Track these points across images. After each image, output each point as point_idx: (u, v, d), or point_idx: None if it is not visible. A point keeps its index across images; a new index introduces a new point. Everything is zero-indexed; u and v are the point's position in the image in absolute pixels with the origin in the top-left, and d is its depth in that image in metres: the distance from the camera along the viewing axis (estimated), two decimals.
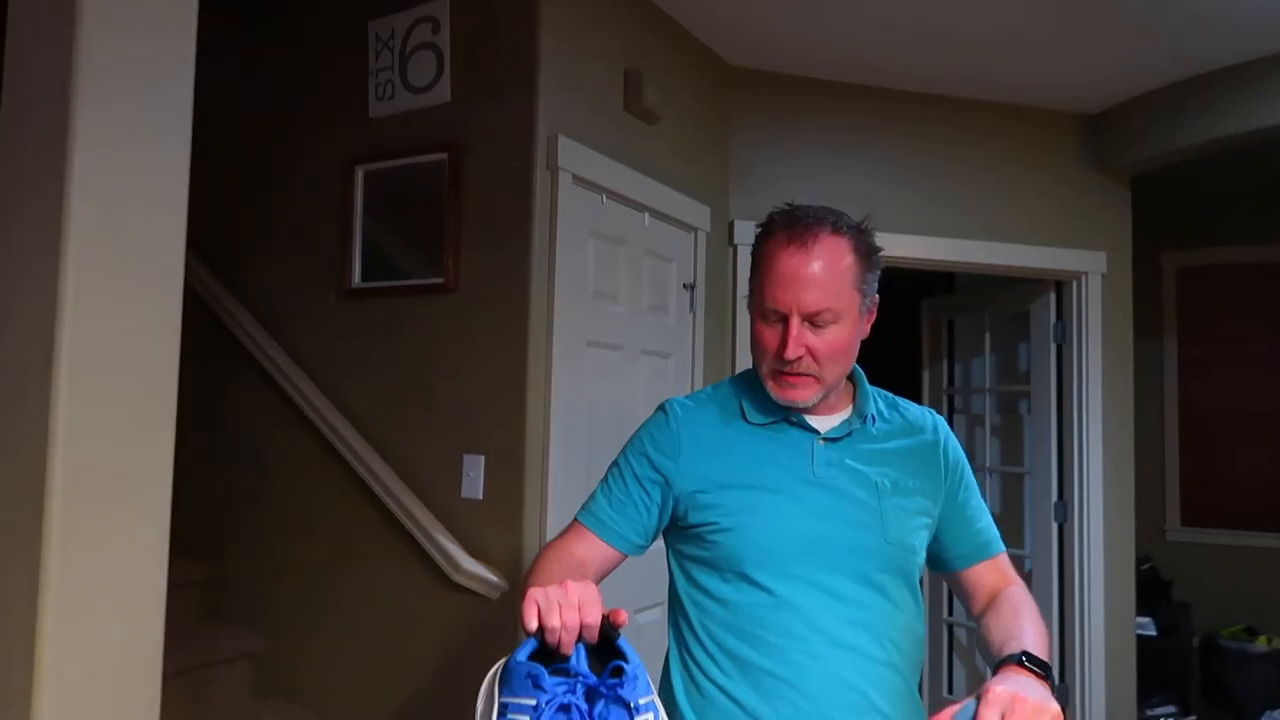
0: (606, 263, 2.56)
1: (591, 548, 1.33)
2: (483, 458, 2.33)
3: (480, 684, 1.02)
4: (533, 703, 0.95)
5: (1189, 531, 5.08)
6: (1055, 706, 0.94)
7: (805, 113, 3.35)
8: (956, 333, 4.40)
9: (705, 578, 1.32)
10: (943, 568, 1.44)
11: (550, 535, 2.23)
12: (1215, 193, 4.86)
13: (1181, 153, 3.40)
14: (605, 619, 1.03)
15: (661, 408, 1.41)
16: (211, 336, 2.77)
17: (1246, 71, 3.13)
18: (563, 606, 1.00)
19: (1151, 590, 4.54)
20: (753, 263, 1.35)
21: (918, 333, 4.53)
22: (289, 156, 2.77)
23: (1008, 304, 4.04)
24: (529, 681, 0.96)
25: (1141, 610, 3.89)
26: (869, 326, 1.36)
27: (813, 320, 1.25)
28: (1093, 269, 3.65)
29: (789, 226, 1.29)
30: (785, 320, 1.26)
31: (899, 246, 3.41)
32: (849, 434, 1.34)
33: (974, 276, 4.16)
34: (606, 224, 2.56)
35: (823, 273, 1.25)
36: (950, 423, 4.39)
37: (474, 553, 2.29)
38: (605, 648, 1.02)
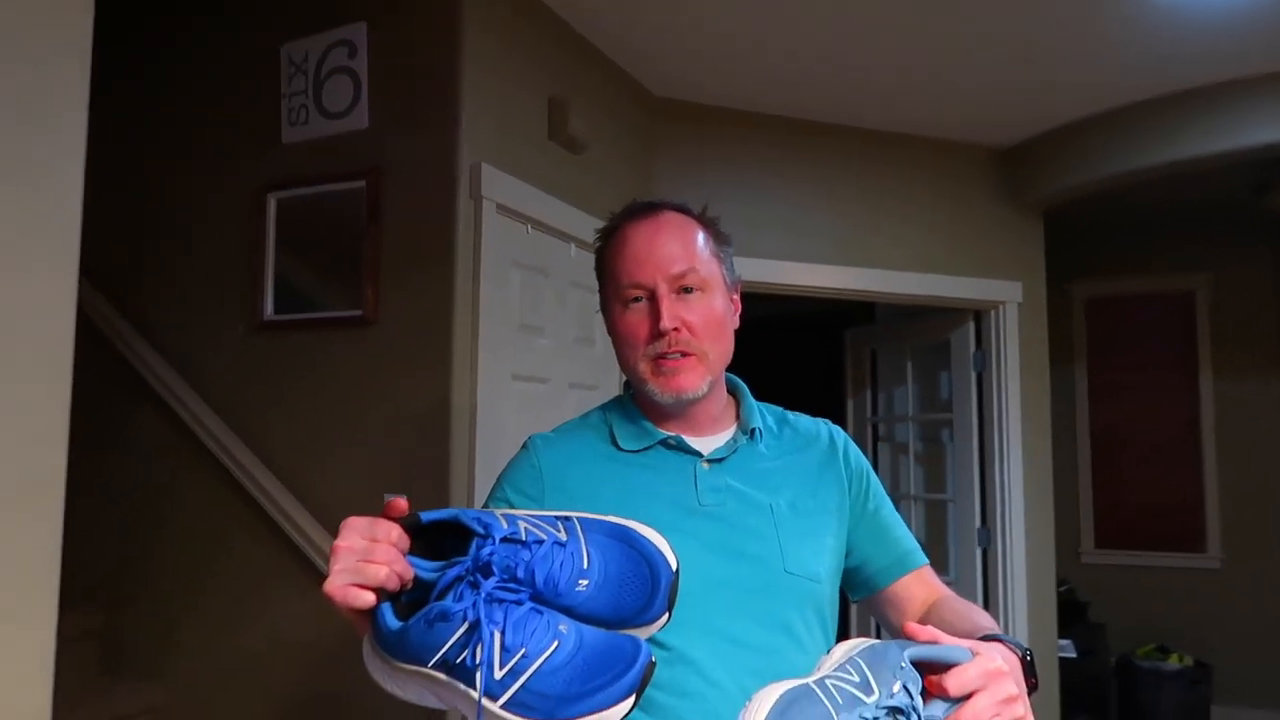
0: (532, 294, 2.50)
1: None
2: (405, 498, 2.22)
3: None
4: (463, 629, 0.80)
5: (1102, 554, 5.22)
6: (1028, 716, 0.82)
7: (729, 143, 3.36)
8: (879, 362, 4.46)
9: None
10: (864, 589, 1.28)
11: None
12: (1121, 224, 5.05)
13: (1088, 186, 3.51)
14: (393, 519, 0.89)
15: (524, 445, 1.26)
16: (110, 371, 2.61)
17: (1151, 107, 3.25)
18: (366, 554, 0.84)
19: (1069, 612, 4.63)
20: (600, 266, 1.26)
21: (841, 363, 4.57)
22: (196, 183, 2.64)
23: (929, 333, 4.11)
24: (438, 624, 0.81)
25: (1061, 633, 3.95)
26: (738, 318, 1.26)
27: (680, 287, 1.16)
28: (1010, 298, 3.73)
29: (630, 214, 1.23)
30: (651, 296, 1.16)
31: (822, 277, 3.43)
32: (734, 453, 1.21)
33: (895, 307, 4.22)
34: (532, 254, 2.51)
35: (678, 239, 1.18)
36: (875, 451, 4.45)
37: None
38: (417, 541, 0.90)
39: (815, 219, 3.46)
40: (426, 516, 0.90)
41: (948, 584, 3.91)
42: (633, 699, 0.76)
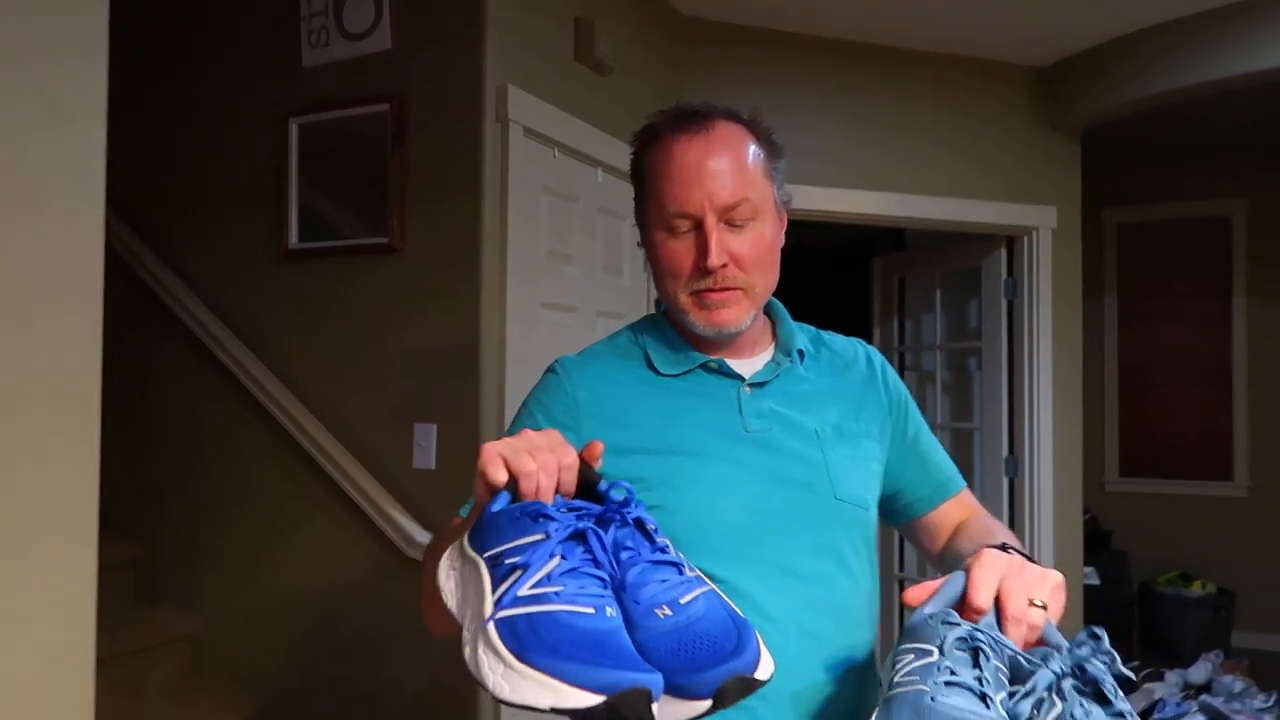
0: (560, 221, 2.45)
1: None
2: (435, 426, 2.22)
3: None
4: (538, 537, 0.76)
5: (1126, 482, 5.21)
6: (1058, 574, 0.85)
7: (756, 64, 3.26)
8: (908, 290, 4.40)
9: None
10: (901, 516, 1.25)
11: None
12: (1155, 149, 4.91)
13: (1132, 105, 3.40)
14: (581, 459, 0.86)
15: (550, 368, 1.17)
16: (139, 304, 2.59)
17: (1197, 24, 3.12)
18: (533, 451, 0.82)
19: (1093, 541, 4.64)
20: (638, 176, 1.13)
21: (869, 291, 4.50)
22: (218, 110, 2.59)
23: (959, 260, 4.03)
24: (526, 519, 0.78)
25: (1085, 561, 3.95)
26: (784, 234, 1.16)
27: (730, 219, 1.05)
28: (1043, 224, 3.65)
29: (677, 121, 1.09)
30: (698, 225, 1.05)
31: (853, 202, 3.36)
32: (777, 376, 1.13)
33: (925, 233, 4.14)
34: (559, 180, 2.45)
35: (731, 162, 1.06)
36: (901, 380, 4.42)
37: (427, 525, 2.19)
38: (584, 497, 0.86)
39: (846, 143, 3.37)
40: (605, 486, 0.85)
41: None
42: (599, 699, 0.67)
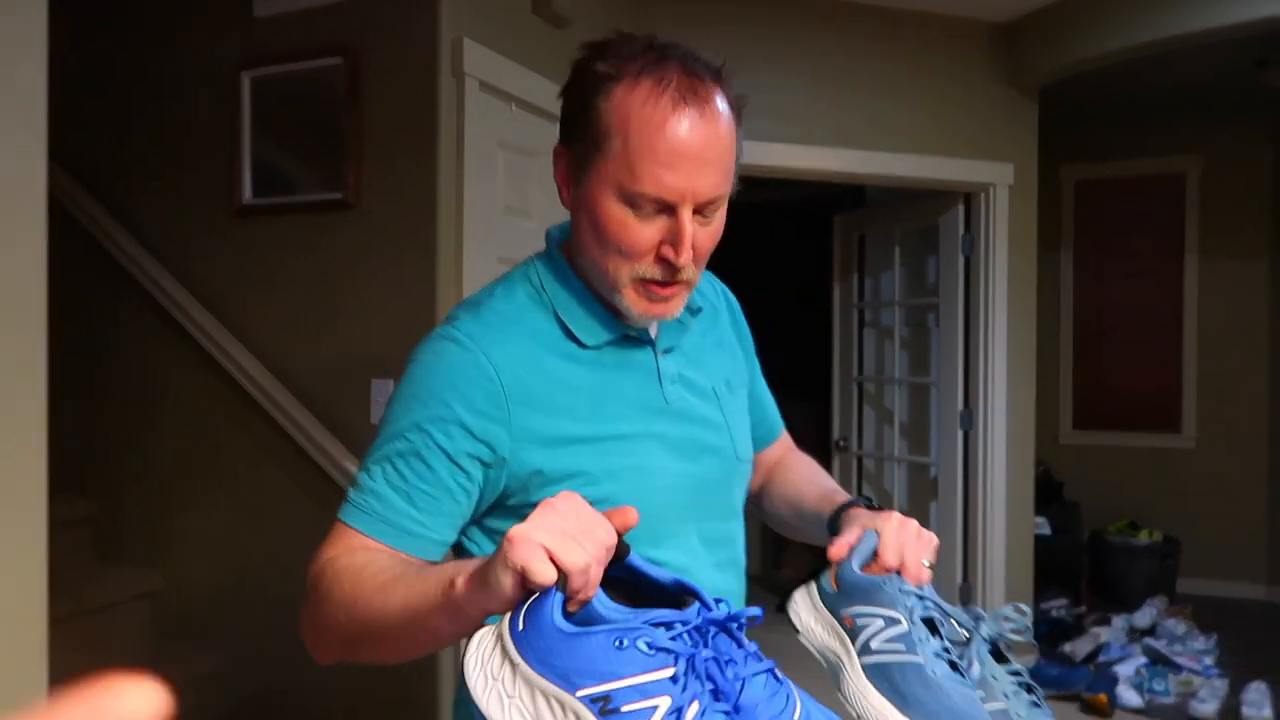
0: (517, 176, 2.45)
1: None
2: (392, 382, 2.22)
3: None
4: (661, 675, 0.63)
5: (1079, 434, 5.33)
6: (935, 536, 0.95)
7: (718, 20, 3.24)
8: (867, 247, 4.43)
9: None
10: None
11: None
12: (1112, 107, 4.95)
13: (1090, 62, 3.43)
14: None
15: (447, 336, 0.96)
16: (94, 264, 2.55)
17: None
18: (577, 536, 0.68)
19: (1045, 492, 4.76)
20: (592, 115, 0.92)
21: (829, 249, 4.53)
22: (168, 64, 2.53)
23: (917, 218, 4.07)
24: (635, 650, 0.63)
25: (1036, 511, 4.06)
26: None
27: (701, 211, 0.93)
28: (1000, 180, 3.69)
29: (664, 81, 0.90)
30: (667, 210, 0.91)
31: (812, 159, 3.37)
32: (681, 338, 1.06)
33: (885, 190, 4.17)
34: (516, 135, 2.44)
35: (723, 152, 0.92)
36: (860, 336, 4.48)
37: None
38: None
39: (807, 100, 3.37)
40: (640, 563, 0.72)
41: (928, 465, 3.99)
42: None
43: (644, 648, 0.63)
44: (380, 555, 0.89)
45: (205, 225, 2.46)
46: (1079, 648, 3.91)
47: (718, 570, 1.05)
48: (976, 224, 3.77)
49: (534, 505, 0.88)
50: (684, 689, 0.62)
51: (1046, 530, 4.52)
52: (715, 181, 0.92)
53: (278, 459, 2.33)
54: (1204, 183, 5.06)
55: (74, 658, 2.22)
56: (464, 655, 0.70)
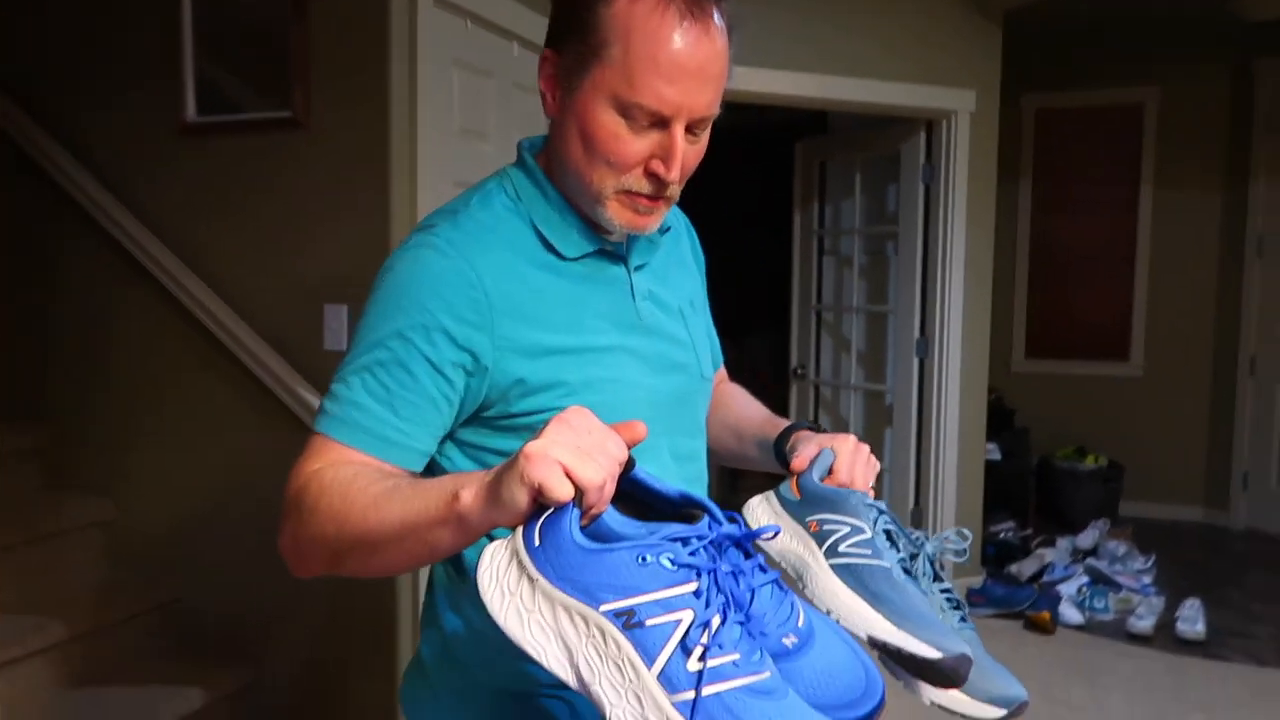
0: (473, 96, 2.38)
1: None
2: (345, 308, 2.19)
3: None
4: (685, 589, 0.64)
5: (1031, 363, 5.43)
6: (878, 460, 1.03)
7: None
8: (828, 175, 4.41)
9: None
10: None
11: None
12: (1074, 36, 4.93)
13: None
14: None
15: (433, 247, 0.94)
16: (29, 184, 2.45)
17: None
18: (592, 453, 0.68)
19: (996, 418, 4.85)
20: (588, 17, 0.91)
21: (790, 176, 4.51)
22: None
23: (879, 145, 4.05)
24: (659, 565, 0.64)
25: (988, 438, 4.15)
26: None
27: (692, 129, 0.93)
28: (962, 108, 3.67)
29: None
30: (663, 126, 0.91)
31: (771, 83, 3.33)
32: (652, 255, 1.07)
33: (847, 116, 4.14)
34: (472, 53, 2.36)
35: (720, 69, 0.92)
36: (820, 264, 4.48)
37: None
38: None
39: (768, 23, 3.31)
40: (645, 476, 0.74)
41: (883, 393, 4.05)
42: None
43: (667, 564, 0.64)
44: (367, 468, 0.88)
45: (150, 145, 2.37)
46: (1025, 568, 4.04)
47: (686, 485, 1.04)
48: (938, 152, 3.76)
49: (512, 416, 0.94)
50: (707, 604, 0.63)
51: (997, 456, 4.62)
52: (710, 99, 0.92)
53: (230, 385, 2.30)
54: (1161, 114, 5.08)
55: (28, 581, 2.21)
56: (476, 571, 0.70)
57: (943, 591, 0.89)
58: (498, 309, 0.92)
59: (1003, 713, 0.81)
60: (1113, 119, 5.16)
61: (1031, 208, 5.35)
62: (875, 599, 0.79)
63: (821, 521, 0.88)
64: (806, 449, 1.00)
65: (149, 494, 2.44)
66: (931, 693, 0.80)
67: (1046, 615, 3.55)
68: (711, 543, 0.66)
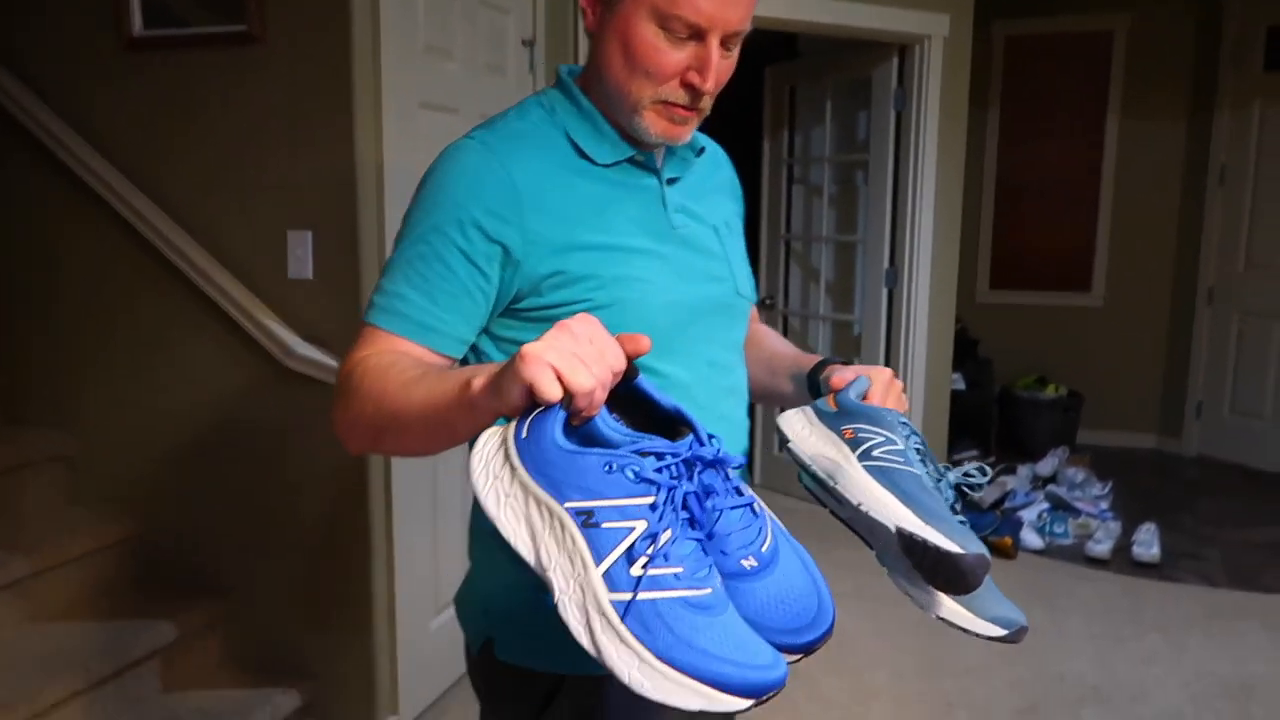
0: (438, 12, 2.28)
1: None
2: (310, 234, 2.12)
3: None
4: (643, 501, 0.68)
5: (996, 294, 5.47)
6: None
7: None
8: (798, 101, 4.34)
9: None
10: None
11: None
12: None
13: None
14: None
15: (464, 146, 1.02)
16: None
17: None
18: (586, 360, 0.71)
19: (961, 348, 4.90)
20: None
21: (760, 102, 4.43)
22: None
23: (851, 69, 3.98)
24: (622, 475, 0.68)
25: (952, 368, 4.18)
26: None
27: (726, 43, 0.99)
28: (935, 32, 3.61)
29: None
30: (697, 36, 0.97)
31: None
32: (686, 172, 1.13)
33: (818, 40, 4.05)
34: None
35: None
36: (789, 193, 4.44)
37: (307, 336, 2.13)
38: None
39: None
40: (647, 387, 0.76)
41: (851, 323, 4.05)
42: (750, 702, 0.64)
43: (630, 475, 0.68)
44: (406, 357, 0.95)
45: (96, 64, 2.24)
46: (987, 495, 4.11)
47: (724, 395, 1.12)
48: (910, 78, 3.71)
49: (544, 309, 1.00)
50: (660, 518, 0.67)
51: (961, 385, 4.67)
52: (744, 14, 0.97)
53: (192, 315, 2.22)
54: (1130, 42, 5.05)
55: None
56: (471, 451, 0.76)
57: (960, 522, 0.89)
58: (527, 205, 0.98)
59: (1004, 633, 0.82)
60: (1082, 47, 5.13)
61: (1000, 136, 5.33)
62: (906, 496, 0.80)
63: (857, 429, 0.89)
64: (844, 373, 1.03)
65: (109, 427, 2.38)
66: (942, 605, 0.81)
67: (1009, 540, 3.63)
68: (684, 461, 0.70)
